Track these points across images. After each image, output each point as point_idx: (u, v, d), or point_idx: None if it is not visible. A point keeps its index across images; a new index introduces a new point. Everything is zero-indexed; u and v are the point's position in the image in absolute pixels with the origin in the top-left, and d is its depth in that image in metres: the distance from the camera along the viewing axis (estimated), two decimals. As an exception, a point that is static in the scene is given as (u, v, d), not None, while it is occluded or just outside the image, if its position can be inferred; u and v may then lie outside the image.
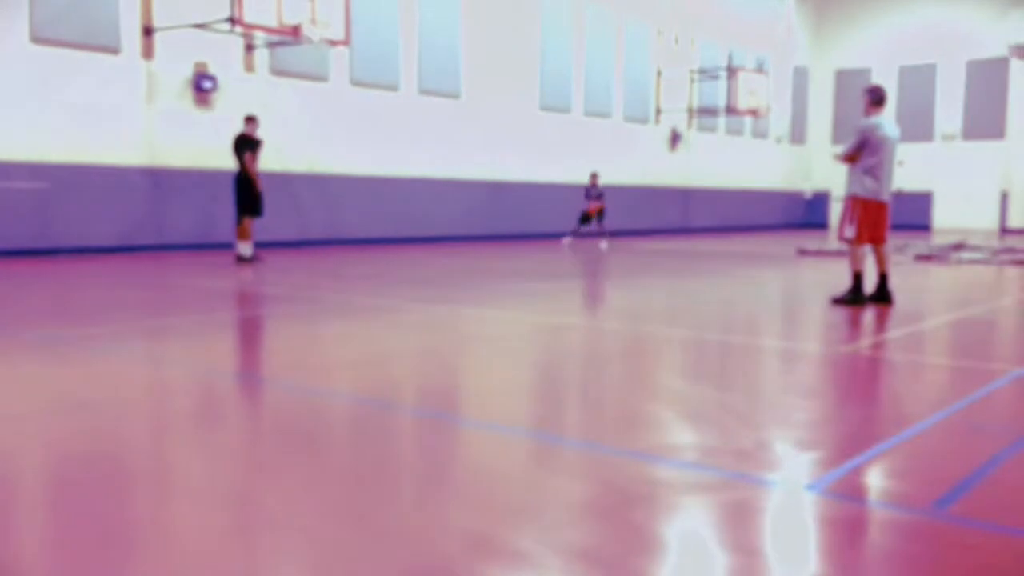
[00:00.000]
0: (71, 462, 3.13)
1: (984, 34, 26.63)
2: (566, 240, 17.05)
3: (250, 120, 11.49)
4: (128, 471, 3.06)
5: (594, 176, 17.07)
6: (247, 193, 11.30)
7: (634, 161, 22.32)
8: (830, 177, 29.04)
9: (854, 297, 7.65)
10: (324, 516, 2.59)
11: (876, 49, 28.66)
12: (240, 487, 2.89)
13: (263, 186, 11.48)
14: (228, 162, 11.87)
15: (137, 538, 2.45)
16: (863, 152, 7.62)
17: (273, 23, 12.35)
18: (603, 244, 16.57)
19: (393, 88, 16.35)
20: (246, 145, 11.28)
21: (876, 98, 7.74)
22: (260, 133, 11.91)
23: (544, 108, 19.65)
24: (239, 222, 11.46)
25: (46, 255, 12.03)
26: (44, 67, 11.93)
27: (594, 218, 16.80)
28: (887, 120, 7.75)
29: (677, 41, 23.42)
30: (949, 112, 27.52)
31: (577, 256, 14.10)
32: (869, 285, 7.86)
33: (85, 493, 2.77)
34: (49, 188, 12.06)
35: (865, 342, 6.21)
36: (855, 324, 6.86)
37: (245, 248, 11.42)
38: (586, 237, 17.36)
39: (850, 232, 7.70)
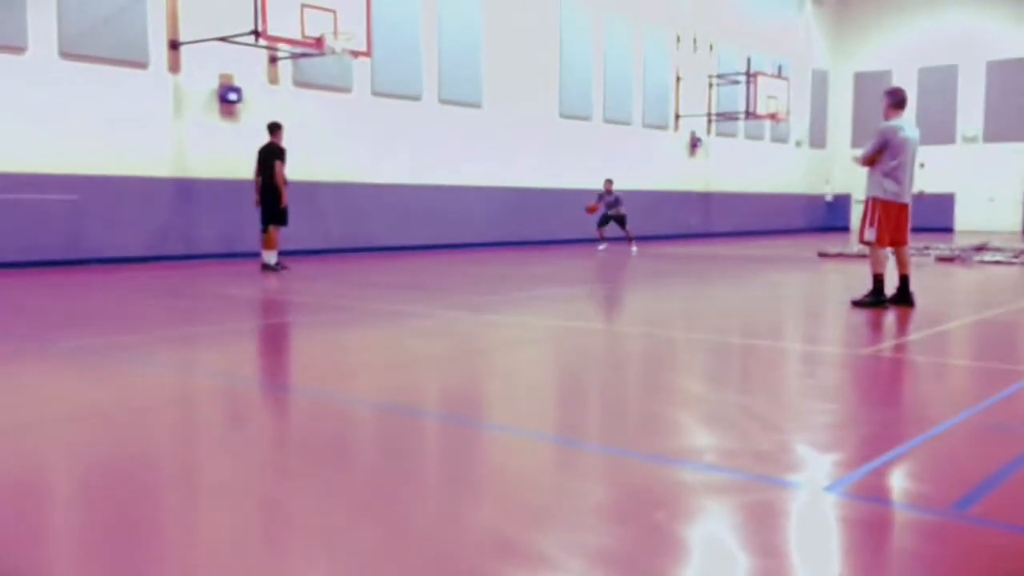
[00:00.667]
0: (100, 468, 3.21)
1: (1005, 35, 26.50)
2: (602, 247, 17.08)
3: (278, 128, 11.69)
4: (155, 477, 3.14)
5: (608, 182, 16.96)
6: (275, 203, 11.50)
7: (654, 167, 22.39)
8: (850, 180, 28.95)
9: (875, 299, 7.69)
10: (348, 519, 2.65)
11: (895, 51, 28.58)
12: (266, 492, 2.95)
13: (288, 196, 11.69)
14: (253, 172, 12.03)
15: (164, 543, 2.52)
16: (884, 154, 7.66)
17: (296, 35, 12.56)
18: (633, 248, 16.63)
19: (415, 98, 16.54)
20: (276, 155, 11.49)
21: (896, 100, 7.77)
22: (287, 144, 12.13)
23: (564, 116, 19.78)
24: (264, 231, 11.67)
25: (77, 265, 12.28)
26: (73, 82, 12.19)
27: (611, 220, 16.78)
28: (907, 122, 7.80)
29: (695, 47, 23.48)
30: (970, 114, 27.39)
31: (598, 261, 14.18)
32: (890, 287, 7.91)
33: (113, 500, 2.84)
34: (80, 199, 12.33)
35: (886, 344, 6.26)
36: (876, 326, 6.90)
37: (270, 257, 11.63)
38: (614, 241, 17.35)
39: (870, 235, 7.74)
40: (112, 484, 3.01)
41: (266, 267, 11.64)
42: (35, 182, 11.90)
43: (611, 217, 16.75)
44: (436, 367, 5.29)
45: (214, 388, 4.70)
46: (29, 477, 3.13)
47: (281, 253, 12.17)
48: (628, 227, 16.78)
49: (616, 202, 16.70)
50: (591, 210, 16.72)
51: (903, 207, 7.77)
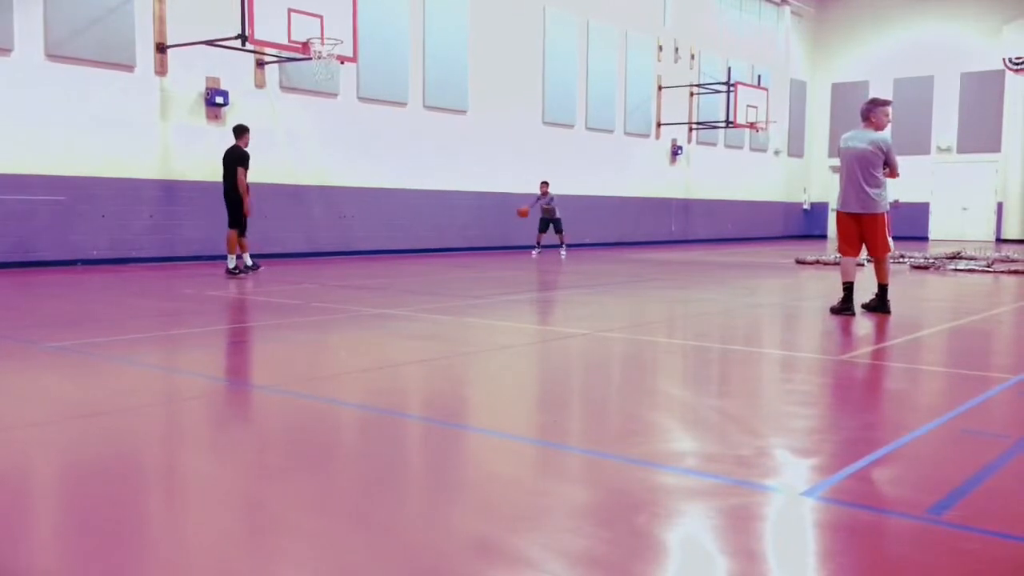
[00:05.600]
0: (84, 470, 3.22)
1: (979, 47, 26.95)
2: (536, 252, 17.29)
3: (245, 131, 11.46)
4: (139, 478, 3.16)
5: (544, 184, 17.07)
6: (237, 208, 11.33)
7: (635, 174, 22.60)
8: (828, 189, 29.36)
9: (843, 307, 7.80)
10: (331, 521, 2.67)
11: (872, 62, 28.98)
12: (248, 493, 2.97)
13: (252, 203, 11.52)
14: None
15: (148, 543, 2.55)
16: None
17: (283, 40, 12.62)
18: (563, 252, 17.00)
19: (400, 103, 16.64)
20: (239, 160, 11.23)
21: (860, 112, 7.94)
22: (273, 147, 12.13)
23: (548, 123, 19.94)
24: (241, 233, 11.52)
25: (64, 266, 12.27)
26: (60, 83, 12.19)
27: (551, 226, 16.95)
28: (861, 132, 7.80)
29: (677, 56, 23.73)
30: (945, 125, 27.82)
31: (579, 267, 14.31)
32: (866, 295, 8.07)
33: (98, 500, 2.86)
34: (66, 200, 12.33)
35: (863, 350, 6.38)
36: (853, 332, 7.02)
37: (233, 260, 11.42)
38: (547, 247, 17.55)
39: (837, 245, 8.00)
40: (93, 485, 3.03)
41: (233, 270, 11.33)
42: (21, 183, 11.89)
43: (547, 221, 16.95)
44: (419, 370, 5.32)
45: (197, 389, 4.71)
46: (9, 477, 3.14)
47: (267, 255, 12.21)
48: (562, 231, 17.03)
49: (551, 204, 16.88)
50: (522, 214, 16.74)
51: (849, 217, 7.83)
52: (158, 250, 13.35)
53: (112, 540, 2.53)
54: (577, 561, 2.39)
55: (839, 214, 7.92)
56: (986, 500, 2.94)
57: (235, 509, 2.85)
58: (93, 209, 12.62)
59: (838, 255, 8.10)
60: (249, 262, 11.72)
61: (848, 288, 7.81)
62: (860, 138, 7.80)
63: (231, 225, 11.41)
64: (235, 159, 11.30)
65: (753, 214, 27.48)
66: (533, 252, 17.22)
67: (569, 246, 17.63)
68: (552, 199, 16.96)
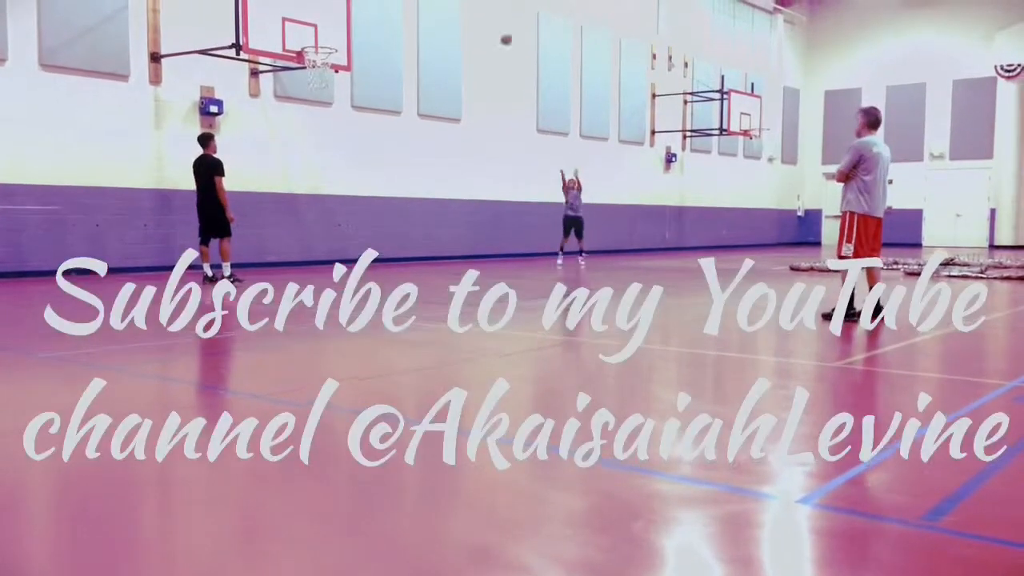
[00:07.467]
0: (80, 476, 3.22)
1: (970, 54, 27.09)
2: (560, 262, 17.13)
3: (211, 139, 11.47)
4: (131, 485, 3.15)
5: (575, 176, 16.71)
6: (221, 216, 11.35)
7: (630, 181, 22.64)
8: (821, 195, 29.48)
9: (844, 312, 7.82)
10: (326, 529, 2.67)
11: (865, 69, 29.10)
12: (243, 501, 2.97)
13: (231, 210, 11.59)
14: (234, 185, 12.03)
15: (141, 550, 2.55)
16: (858, 169, 7.90)
17: (277, 49, 12.63)
18: (582, 261, 16.79)
19: (395, 112, 16.66)
20: (216, 170, 11.27)
21: (871, 120, 7.99)
22: (267, 156, 12.10)
23: (542, 130, 19.97)
24: (205, 243, 11.46)
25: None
26: (54, 92, 12.18)
27: (573, 230, 16.66)
28: (879, 140, 8.08)
29: (671, 64, 23.80)
30: (937, 131, 27.94)
31: (572, 274, 14.32)
32: (859, 301, 8.09)
33: (94, 505, 2.87)
34: (60, 210, 12.30)
35: (858, 356, 6.40)
36: (847, 339, 7.04)
37: (228, 267, 11.42)
38: (568, 254, 17.32)
39: (848, 250, 7.94)
40: (89, 491, 3.04)
41: (225, 279, 11.25)
42: (15, 192, 11.86)
43: (571, 224, 16.61)
44: (414, 377, 5.33)
45: (191, 397, 4.71)
46: (8, 481, 3.14)
47: (262, 265, 12.18)
48: (583, 238, 16.76)
49: (577, 201, 16.52)
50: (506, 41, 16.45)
51: (879, 221, 8.00)
52: (153, 259, 13.32)
53: (107, 545, 2.53)
54: (574, 568, 2.40)
55: (868, 219, 7.92)
56: (982, 506, 2.96)
57: (231, 516, 2.84)
58: (87, 219, 12.60)
59: (837, 261, 8.07)
60: (210, 272, 11.50)
61: (850, 293, 7.85)
62: (884, 145, 8.09)
63: (221, 234, 11.39)
64: (212, 168, 11.29)
65: (747, 221, 27.54)
66: (558, 261, 16.83)
67: (566, 254, 17.54)
68: (578, 194, 16.52)
